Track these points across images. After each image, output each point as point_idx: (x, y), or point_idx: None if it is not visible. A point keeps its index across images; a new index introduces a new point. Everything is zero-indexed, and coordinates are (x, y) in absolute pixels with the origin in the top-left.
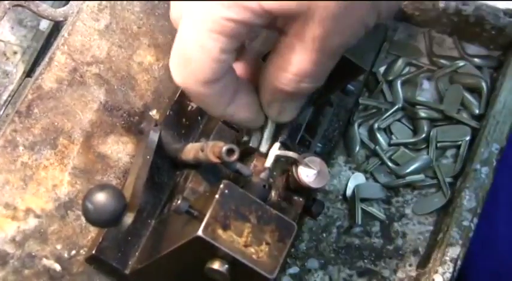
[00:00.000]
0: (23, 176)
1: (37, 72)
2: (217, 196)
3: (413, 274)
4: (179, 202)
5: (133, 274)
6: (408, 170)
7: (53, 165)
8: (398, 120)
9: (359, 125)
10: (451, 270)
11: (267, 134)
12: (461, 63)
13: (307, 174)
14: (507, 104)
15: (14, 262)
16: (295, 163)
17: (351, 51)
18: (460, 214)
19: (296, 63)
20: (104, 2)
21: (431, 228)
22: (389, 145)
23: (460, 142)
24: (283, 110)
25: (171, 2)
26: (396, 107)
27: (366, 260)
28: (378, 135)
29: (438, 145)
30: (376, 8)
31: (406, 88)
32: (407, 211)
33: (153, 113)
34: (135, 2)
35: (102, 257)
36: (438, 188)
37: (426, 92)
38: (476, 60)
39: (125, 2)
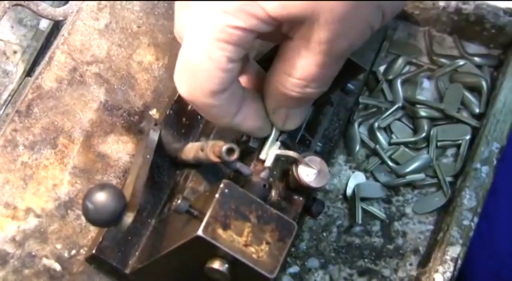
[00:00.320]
0: (23, 175)
1: (37, 72)
2: (217, 196)
3: (414, 273)
4: (179, 201)
5: (134, 273)
6: (408, 170)
7: (53, 164)
8: (399, 119)
9: (359, 124)
10: (451, 269)
11: (270, 143)
12: (461, 62)
13: (308, 173)
14: (507, 103)
15: (14, 261)
16: (295, 162)
17: None
18: (461, 213)
19: (302, 68)
20: (103, 2)
21: (431, 227)
22: (390, 144)
23: (460, 141)
24: (289, 118)
25: (175, 15)
26: (396, 106)
27: (366, 260)
28: (378, 134)
29: (438, 144)
30: (381, 9)
31: (406, 87)
32: (408, 210)
33: (153, 112)
34: (134, 1)
35: (102, 257)
36: (438, 187)
37: (426, 91)
38: (476, 59)
39: (124, 1)
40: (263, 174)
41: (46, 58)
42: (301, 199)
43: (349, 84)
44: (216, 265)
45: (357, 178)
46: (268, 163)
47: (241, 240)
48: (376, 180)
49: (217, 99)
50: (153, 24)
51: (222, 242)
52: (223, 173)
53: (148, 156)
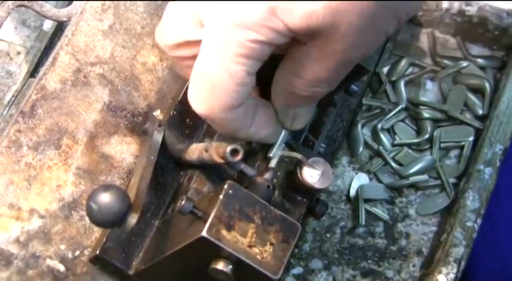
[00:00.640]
0: (27, 176)
1: (41, 73)
2: (221, 197)
3: (417, 274)
4: (183, 202)
5: (137, 274)
6: (412, 171)
7: (57, 165)
8: (402, 120)
9: (362, 126)
10: (454, 271)
11: (280, 141)
12: (464, 63)
13: (311, 175)
14: (510, 104)
15: (18, 262)
16: (299, 163)
17: None
18: (464, 214)
19: (313, 71)
20: (107, 2)
21: (435, 229)
22: (393, 145)
23: (463, 143)
24: (297, 117)
25: (162, 21)
26: (400, 107)
27: (369, 261)
28: (382, 135)
29: (442, 145)
30: (397, 16)
31: (409, 88)
32: (411, 211)
33: (157, 113)
34: (138, 2)
35: (106, 258)
36: (442, 188)
37: (429, 92)
38: (479, 60)
39: (128, 2)
40: (267, 175)
41: (50, 59)
42: (304, 200)
43: (352, 86)
44: (220, 265)
45: (360, 179)
46: (272, 164)
47: (246, 241)
48: (380, 181)
49: (235, 113)
50: (157, 25)
51: (226, 243)
52: (227, 174)
53: (152, 157)
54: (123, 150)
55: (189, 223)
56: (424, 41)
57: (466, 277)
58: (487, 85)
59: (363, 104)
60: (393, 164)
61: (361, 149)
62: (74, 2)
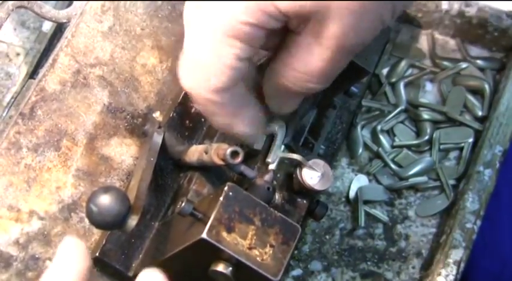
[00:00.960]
0: (26, 178)
1: (40, 74)
2: (221, 198)
3: (417, 276)
4: (183, 204)
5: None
6: (411, 172)
7: (56, 167)
8: (401, 122)
9: (362, 127)
10: (454, 272)
11: (276, 146)
12: (464, 65)
13: (311, 176)
14: (510, 106)
15: (17, 264)
16: (299, 165)
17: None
18: (463, 216)
19: (307, 62)
20: (107, 4)
21: (434, 230)
22: (393, 146)
23: (463, 144)
24: (284, 105)
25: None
26: (399, 109)
27: (369, 263)
28: (381, 137)
29: (441, 147)
30: (393, 4)
31: (409, 90)
32: (411, 213)
33: (157, 115)
34: (138, 3)
35: (105, 260)
36: (441, 190)
37: (429, 94)
38: (479, 62)
39: (128, 3)
40: (267, 177)
41: (50, 60)
42: (304, 201)
43: (352, 87)
44: (220, 267)
45: (359, 181)
46: (272, 166)
47: (246, 243)
48: (379, 183)
49: (219, 96)
50: (157, 27)
51: (226, 245)
52: (227, 176)
53: (152, 159)
54: (123, 152)
55: (189, 224)
56: (423, 42)
57: (465, 278)
58: (487, 86)
59: (363, 106)
60: (393, 166)
61: (360, 150)
62: (74, 3)
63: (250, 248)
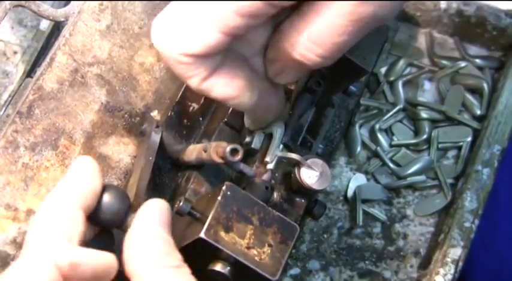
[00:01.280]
0: (24, 177)
1: (38, 73)
2: (219, 198)
3: (415, 275)
4: (181, 203)
5: None
6: (409, 171)
7: (54, 166)
8: (400, 121)
9: (360, 126)
10: (452, 271)
11: (274, 145)
12: (462, 64)
13: (309, 176)
14: (508, 105)
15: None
16: (297, 164)
17: (353, 53)
18: (462, 215)
19: (317, 29)
20: (105, 2)
21: (432, 229)
22: (391, 145)
23: (461, 143)
24: (282, 72)
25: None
26: (397, 108)
27: (367, 262)
28: (379, 136)
29: (439, 146)
30: None
31: (407, 89)
32: (409, 212)
33: (155, 114)
34: (136, 2)
35: None
36: (439, 189)
37: (427, 92)
38: (477, 61)
39: (126, 2)
40: (265, 176)
41: (47, 59)
42: (303, 201)
43: (350, 86)
44: (218, 267)
45: (357, 180)
46: (271, 165)
47: (244, 242)
48: (377, 182)
49: (195, 59)
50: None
51: (224, 245)
52: (224, 175)
53: (150, 158)
54: (121, 150)
55: (187, 224)
56: (422, 41)
57: (464, 276)
58: (485, 85)
59: (361, 105)
60: (391, 165)
61: (358, 149)
62: (72, 1)
63: (248, 248)
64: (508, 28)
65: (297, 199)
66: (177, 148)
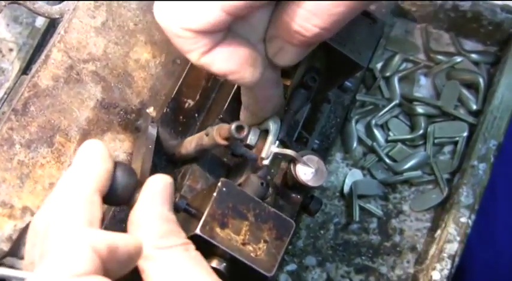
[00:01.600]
0: (19, 174)
1: (33, 70)
2: (215, 194)
3: (411, 270)
4: (177, 199)
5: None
6: (405, 167)
7: (49, 163)
8: (396, 116)
9: (356, 122)
10: (448, 267)
11: (270, 141)
12: (458, 59)
13: (305, 172)
14: (504, 99)
15: None
16: (293, 160)
17: (349, 48)
18: (458, 210)
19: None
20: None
21: (428, 225)
22: (387, 141)
23: (457, 138)
24: (283, 51)
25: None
26: (393, 103)
27: (363, 257)
28: (375, 131)
29: (435, 141)
30: None
31: (403, 84)
32: (405, 207)
33: (150, 110)
34: None
35: None
36: (435, 184)
37: (423, 88)
38: (473, 56)
39: None
40: (261, 172)
41: (42, 56)
42: (298, 197)
43: (346, 82)
44: (214, 263)
45: (354, 175)
46: (266, 161)
47: (239, 238)
48: (373, 177)
49: (205, 36)
50: (150, 22)
51: (220, 241)
52: (220, 172)
53: (150, 146)
54: (116, 147)
55: (183, 220)
56: (417, 36)
57: (462, 270)
58: (481, 80)
59: (357, 100)
60: (387, 160)
61: (355, 145)
62: None
63: (244, 244)
64: (503, 23)
65: (293, 195)
66: (172, 143)
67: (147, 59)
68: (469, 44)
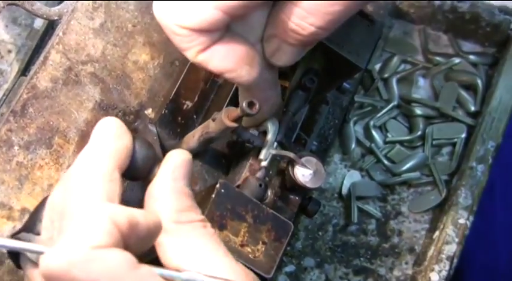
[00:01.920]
0: (18, 175)
1: (32, 72)
2: (213, 196)
3: (410, 272)
4: None
5: None
6: (404, 168)
7: (48, 164)
8: (394, 118)
9: (355, 123)
10: (447, 268)
11: (269, 143)
12: (456, 60)
13: (304, 174)
14: (502, 101)
15: (9, 262)
16: (291, 162)
17: (347, 50)
18: (456, 211)
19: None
20: (98, 1)
21: (427, 226)
22: (385, 142)
23: (455, 140)
24: (278, 51)
25: None
26: (392, 104)
27: (362, 259)
28: (374, 133)
29: (434, 142)
30: None
31: (401, 86)
32: (403, 208)
33: (149, 112)
34: (129, 0)
35: None
36: (434, 185)
37: (422, 89)
38: (471, 57)
39: (119, 0)
40: (259, 174)
41: (41, 58)
42: (297, 198)
43: (344, 83)
44: None
45: (352, 177)
46: (265, 163)
47: (238, 240)
48: (372, 179)
49: (204, 34)
50: (149, 23)
51: None
52: (219, 173)
53: (155, 137)
54: None
55: None
56: (416, 37)
57: (461, 272)
58: (479, 82)
59: (355, 102)
60: (385, 162)
61: (353, 146)
62: (65, 0)
63: (242, 245)
64: (501, 24)
65: (291, 197)
66: (171, 143)
67: (145, 61)
68: (467, 46)
